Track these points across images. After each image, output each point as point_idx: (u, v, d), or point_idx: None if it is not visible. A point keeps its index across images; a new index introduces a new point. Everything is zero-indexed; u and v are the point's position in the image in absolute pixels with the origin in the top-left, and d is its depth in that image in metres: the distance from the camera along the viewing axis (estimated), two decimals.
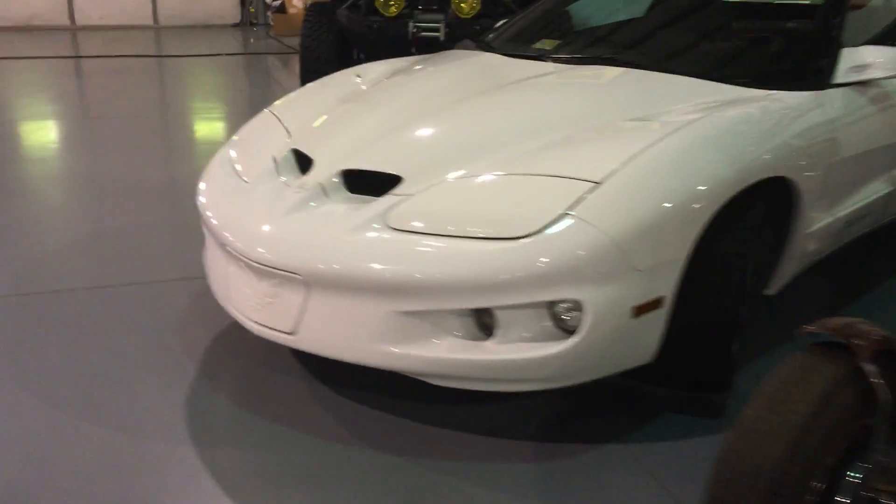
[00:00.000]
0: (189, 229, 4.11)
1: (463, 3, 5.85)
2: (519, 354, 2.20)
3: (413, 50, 5.85)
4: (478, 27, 5.81)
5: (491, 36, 3.83)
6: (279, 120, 3.08)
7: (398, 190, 2.42)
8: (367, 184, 2.49)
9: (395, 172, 2.47)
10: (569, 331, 2.22)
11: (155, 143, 6.21)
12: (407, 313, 2.22)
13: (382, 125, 2.75)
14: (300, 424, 2.50)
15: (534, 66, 3.22)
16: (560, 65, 3.18)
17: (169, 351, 2.92)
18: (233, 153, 2.99)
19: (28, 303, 3.30)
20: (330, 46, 6.12)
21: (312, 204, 2.46)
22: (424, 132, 2.70)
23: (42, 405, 2.58)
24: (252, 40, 12.92)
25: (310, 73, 6.21)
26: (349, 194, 2.50)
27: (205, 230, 2.82)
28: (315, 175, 2.55)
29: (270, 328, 2.42)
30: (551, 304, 2.20)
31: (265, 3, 14.14)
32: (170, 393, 2.65)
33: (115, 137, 6.21)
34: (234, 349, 2.92)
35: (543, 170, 2.36)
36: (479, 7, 5.86)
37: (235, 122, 7.28)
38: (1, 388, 2.67)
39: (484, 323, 2.26)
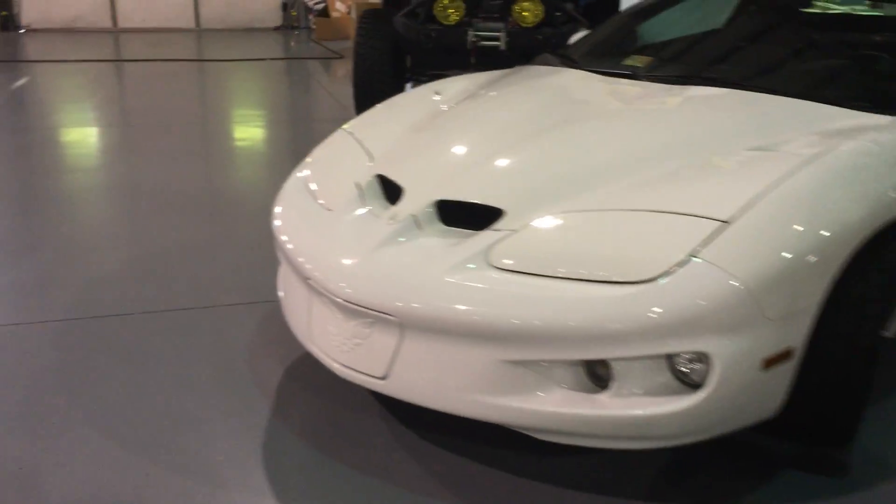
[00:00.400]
0: (248, 247, 3.94)
1: (525, 11, 5.62)
2: (639, 410, 1.99)
3: (472, 60, 5.64)
4: (540, 37, 5.60)
5: (572, 49, 3.61)
6: (358, 142, 2.89)
7: (499, 224, 2.22)
8: (463, 216, 2.29)
9: (495, 205, 2.27)
10: (691, 384, 2.01)
11: (203, 152, 6.08)
12: (511, 362, 2.03)
13: (476, 151, 2.55)
14: (386, 474, 2.30)
15: (629, 85, 3.00)
16: (659, 84, 2.94)
17: (238, 385, 2.74)
18: (309, 174, 2.81)
19: (87, 328, 3.14)
20: (385, 54, 5.92)
21: (402, 238, 2.27)
22: (525, 159, 2.49)
23: (111, 446, 2.41)
24: (293, 44, 12.80)
25: (363, 81, 6.04)
26: (444, 227, 2.30)
27: (281, 257, 2.65)
28: (407, 205, 2.35)
29: (358, 371, 2.23)
30: (671, 356, 2.00)
31: (307, 7, 14.01)
32: (243, 435, 2.47)
33: (162, 146, 6.07)
34: (308, 384, 2.73)
35: (662, 205, 2.15)
36: (542, 16, 5.63)
37: (281, 130, 7.15)
38: (68, 426, 2.51)
39: (596, 373, 2.06)
